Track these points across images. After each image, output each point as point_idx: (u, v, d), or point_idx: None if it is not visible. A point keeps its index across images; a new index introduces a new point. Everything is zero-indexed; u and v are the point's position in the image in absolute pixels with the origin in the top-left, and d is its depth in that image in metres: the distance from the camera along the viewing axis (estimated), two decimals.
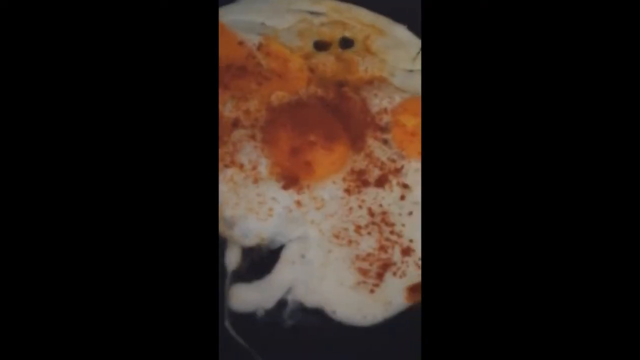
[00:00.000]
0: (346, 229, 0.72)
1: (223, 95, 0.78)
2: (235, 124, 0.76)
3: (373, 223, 0.73)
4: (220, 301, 0.68)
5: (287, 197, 0.72)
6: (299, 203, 0.73)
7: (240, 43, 0.82)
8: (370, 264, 0.70)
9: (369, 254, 0.71)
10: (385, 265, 0.71)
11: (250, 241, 0.71)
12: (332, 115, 0.77)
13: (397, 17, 0.89)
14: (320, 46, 0.86)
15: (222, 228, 0.72)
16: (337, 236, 0.72)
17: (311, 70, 0.82)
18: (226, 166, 0.74)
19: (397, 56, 0.86)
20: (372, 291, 0.69)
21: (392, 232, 0.73)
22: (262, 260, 0.71)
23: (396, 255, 0.71)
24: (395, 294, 0.69)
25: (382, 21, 0.89)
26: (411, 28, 0.89)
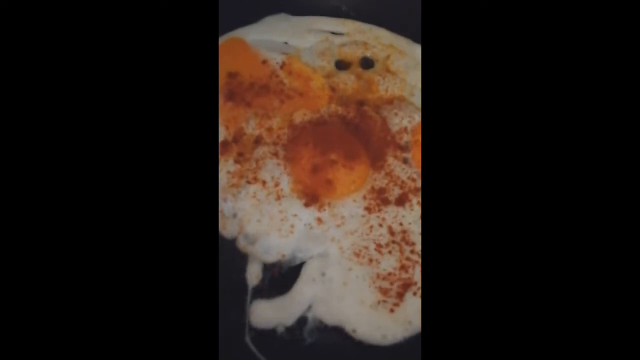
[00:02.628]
0: (367, 247, 0.72)
1: (246, 113, 0.79)
2: (258, 141, 0.77)
3: (393, 242, 0.73)
4: (242, 317, 0.68)
5: (308, 214, 0.73)
6: (319, 220, 0.73)
7: (264, 62, 0.83)
8: (391, 283, 0.70)
9: (389, 273, 0.71)
10: (406, 285, 0.70)
11: (271, 257, 0.71)
12: (353, 134, 0.78)
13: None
14: (342, 66, 0.87)
15: (244, 244, 0.72)
16: (357, 254, 0.72)
17: (332, 89, 0.83)
18: (249, 182, 0.74)
19: (417, 76, 0.87)
20: (392, 310, 0.69)
21: (412, 252, 0.72)
22: (282, 276, 0.71)
23: (417, 274, 0.71)
24: (415, 313, 0.69)
25: (402, 42, 0.90)
26: None
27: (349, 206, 0.74)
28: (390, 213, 0.75)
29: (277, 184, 0.74)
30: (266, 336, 0.67)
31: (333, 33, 0.90)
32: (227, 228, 0.73)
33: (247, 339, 0.67)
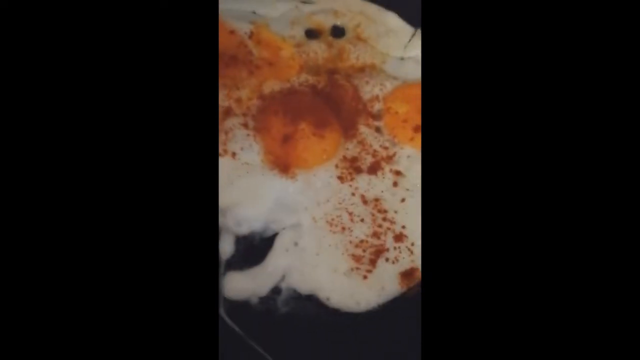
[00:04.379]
0: (339, 216, 0.72)
1: None
2: (227, 112, 0.76)
3: (366, 210, 0.73)
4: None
5: (279, 185, 0.72)
6: (291, 190, 0.73)
7: (232, 32, 0.81)
8: (363, 251, 0.70)
9: (362, 241, 0.71)
10: (379, 252, 0.70)
11: (244, 229, 0.71)
12: (324, 103, 0.77)
13: (395, 2, 0.89)
14: (312, 34, 0.86)
15: None
16: (330, 223, 0.72)
17: (302, 58, 0.82)
18: (219, 155, 0.73)
19: (388, 44, 0.86)
20: (365, 277, 0.69)
21: (384, 219, 0.72)
22: (255, 248, 0.70)
23: (389, 241, 0.71)
24: (388, 279, 0.69)
25: (373, 9, 0.89)
26: (403, 15, 0.88)
27: (321, 176, 0.74)
28: (363, 181, 0.74)
29: (247, 155, 0.73)
30: (240, 307, 0.67)
31: (302, 1, 0.88)
32: None
33: (222, 311, 0.67)
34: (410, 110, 0.78)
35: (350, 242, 0.71)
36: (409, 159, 0.76)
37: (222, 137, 0.74)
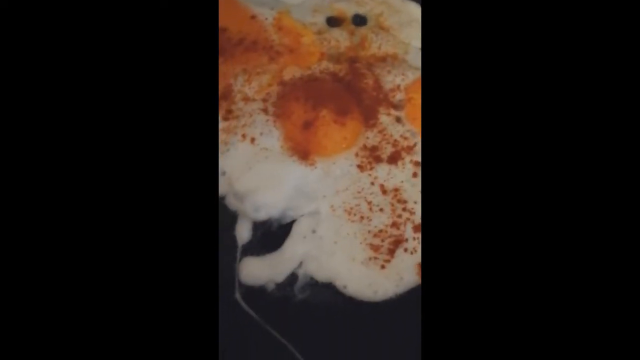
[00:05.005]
0: (358, 205, 0.72)
1: (235, 69, 0.77)
2: (247, 97, 0.76)
3: (385, 200, 0.72)
4: (232, 274, 0.68)
5: (298, 172, 0.72)
6: (310, 178, 0.72)
7: (253, 17, 0.81)
8: (382, 240, 0.70)
9: (380, 230, 0.70)
10: (397, 242, 0.70)
11: (261, 215, 0.71)
12: (345, 91, 0.77)
13: None
14: (333, 22, 0.85)
15: (233, 201, 0.71)
16: (348, 212, 0.71)
17: (324, 46, 0.82)
18: (238, 140, 0.73)
19: (410, 33, 0.85)
20: (383, 267, 0.69)
21: (404, 209, 0.72)
22: (273, 234, 0.70)
23: (408, 232, 0.70)
24: (406, 270, 0.69)
25: None
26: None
27: (341, 164, 0.73)
28: (383, 171, 0.74)
29: (266, 141, 0.73)
30: (256, 293, 0.67)
31: None
32: None
33: (237, 296, 0.67)
34: None
35: (369, 231, 0.70)
36: None
37: (241, 122, 0.74)
